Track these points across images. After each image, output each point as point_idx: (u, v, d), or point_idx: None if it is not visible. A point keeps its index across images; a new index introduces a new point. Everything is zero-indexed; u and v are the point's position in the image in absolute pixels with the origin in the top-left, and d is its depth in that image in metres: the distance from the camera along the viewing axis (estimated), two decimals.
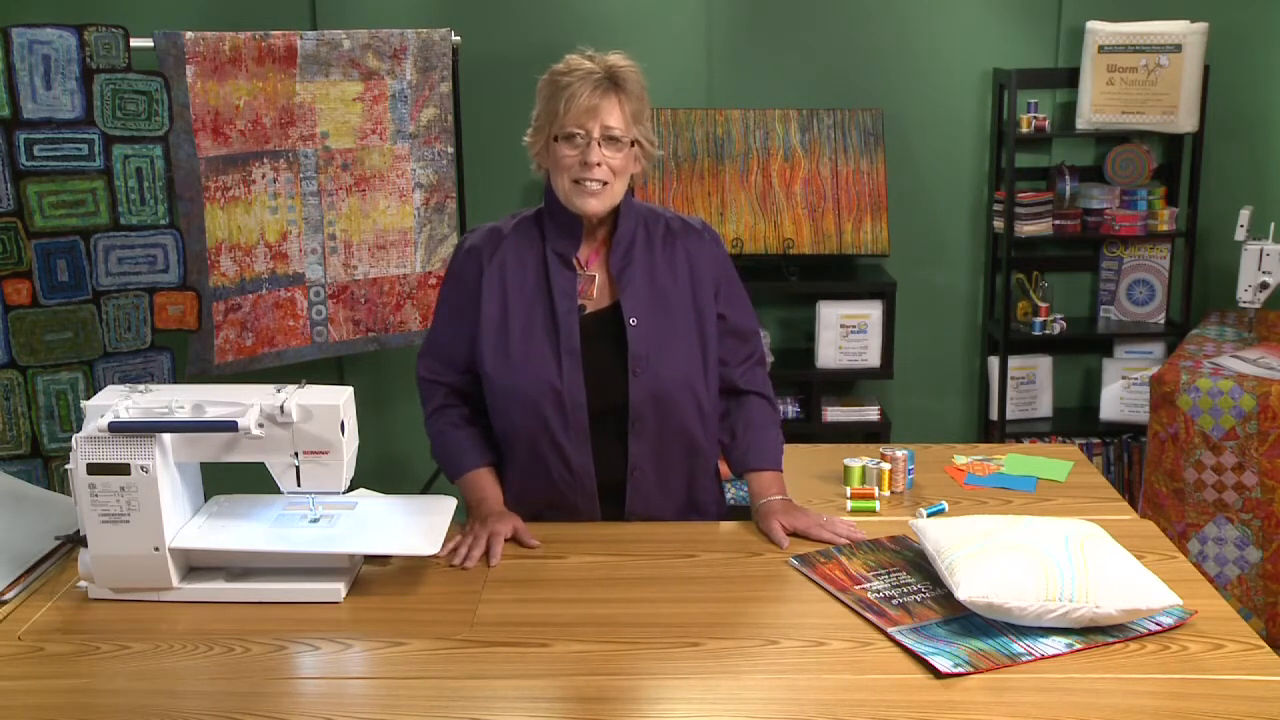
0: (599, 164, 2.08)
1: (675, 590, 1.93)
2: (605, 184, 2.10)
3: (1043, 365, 4.27)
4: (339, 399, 1.90)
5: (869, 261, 4.21)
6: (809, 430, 4.07)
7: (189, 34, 3.20)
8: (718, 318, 2.25)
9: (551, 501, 2.22)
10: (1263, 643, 1.73)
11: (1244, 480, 3.33)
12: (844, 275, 4.14)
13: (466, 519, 2.17)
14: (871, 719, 1.57)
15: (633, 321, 2.17)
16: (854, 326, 4.03)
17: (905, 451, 2.36)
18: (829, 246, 4.02)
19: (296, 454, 1.90)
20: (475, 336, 2.19)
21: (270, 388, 1.91)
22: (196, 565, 1.93)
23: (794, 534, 2.11)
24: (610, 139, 2.09)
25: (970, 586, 1.76)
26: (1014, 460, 2.51)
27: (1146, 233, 4.06)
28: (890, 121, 4.09)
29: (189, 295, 3.32)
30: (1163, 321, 4.20)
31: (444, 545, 1.99)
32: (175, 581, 1.88)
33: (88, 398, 1.95)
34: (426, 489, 3.90)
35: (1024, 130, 3.98)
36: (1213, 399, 3.33)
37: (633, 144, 2.13)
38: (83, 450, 1.82)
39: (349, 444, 1.93)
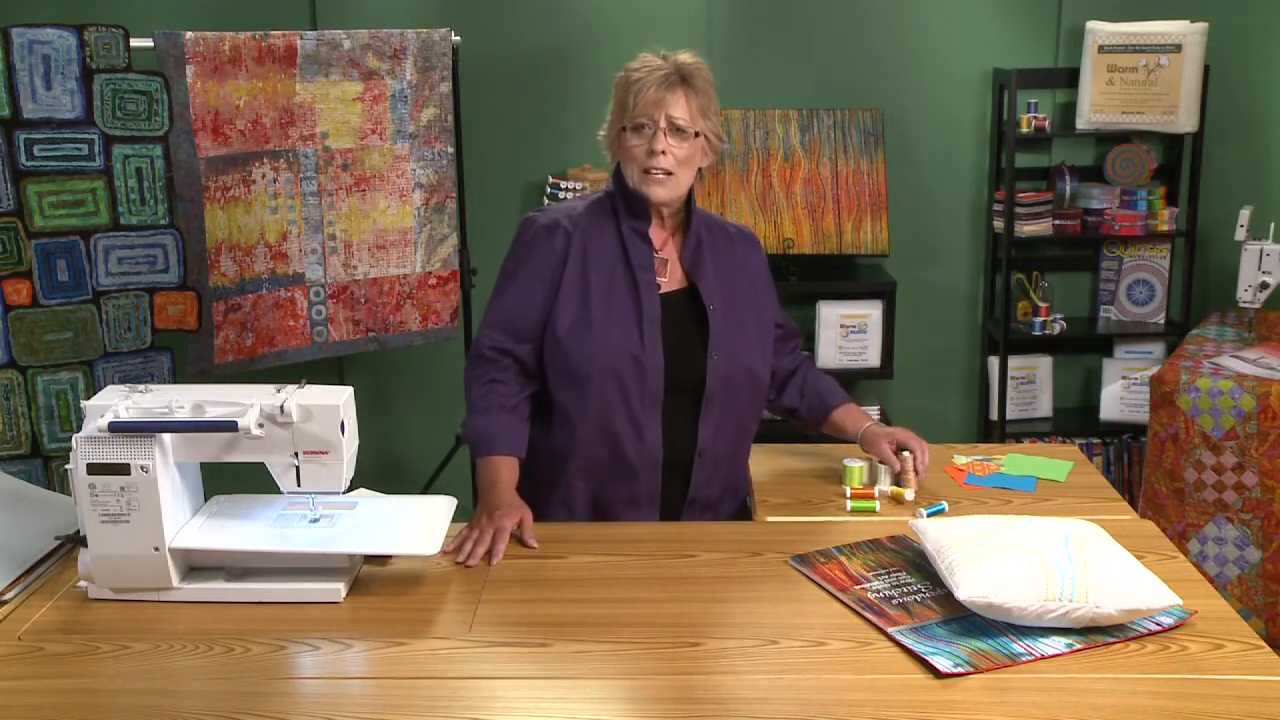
0: (663, 152, 2.20)
1: (675, 590, 1.93)
2: (670, 174, 2.23)
3: (1043, 365, 4.27)
4: (339, 399, 1.90)
5: (869, 261, 4.21)
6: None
7: (189, 34, 3.20)
8: (774, 325, 2.44)
9: (616, 471, 2.27)
10: (1263, 643, 1.73)
11: (1244, 480, 3.33)
12: (844, 275, 4.14)
13: (475, 506, 2.18)
14: (871, 719, 1.57)
15: (712, 306, 2.29)
16: (854, 326, 4.03)
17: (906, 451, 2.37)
18: (829, 246, 4.02)
19: (296, 454, 1.90)
20: (551, 304, 2.26)
21: (270, 388, 1.91)
22: (196, 565, 1.93)
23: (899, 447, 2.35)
24: (676, 130, 2.22)
25: (970, 587, 1.76)
26: (1014, 460, 2.51)
27: (1146, 233, 4.06)
28: (890, 121, 4.09)
29: (189, 295, 3.32)
30: (1163, 321, 4.20)
31: (449, 541, 2.02)
32: (175, 581, 1.88)
33: (88, 398, 1.96)
34: (426, 489, 3.90)
35: (1024, 130, 3.98)
36: (1213, 399, 3.33)
37: (696, 135, 2.24)
38: (83, 450, 1.82)
39: (349, 444, 1.93)
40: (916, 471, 2.32)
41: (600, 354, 2.21)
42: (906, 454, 2.33)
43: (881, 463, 2.35)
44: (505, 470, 2.22)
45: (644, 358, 2.23)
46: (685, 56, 2.25)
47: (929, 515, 2.20)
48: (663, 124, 2.21)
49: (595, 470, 2.28)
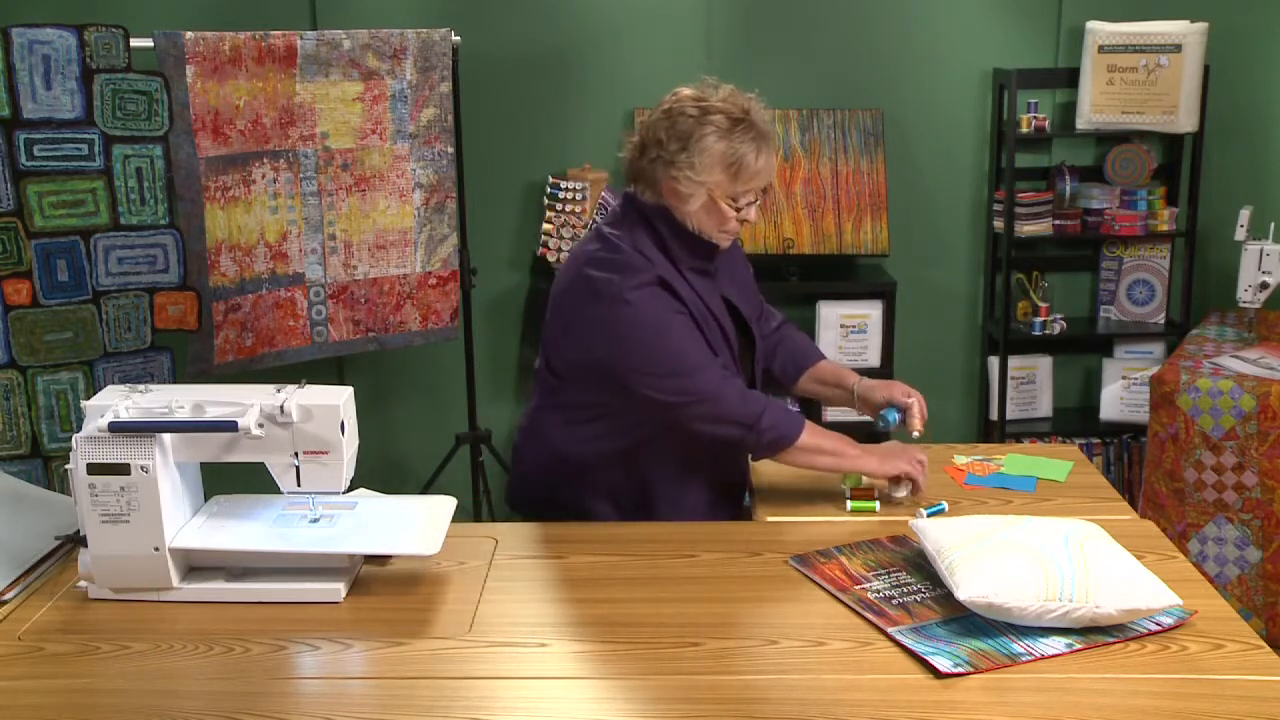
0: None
1: (675, 590, 1.93)
2: None
3: (1043, 365, 4.27)
4: (339, 399, 1.90)
5: (869, 261, 4.21)
6: None
7: (189, 34, 3.20)
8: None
9: (711, 502, 2.35)
10: (1263, 643, 1.73)
11: (1244, 480, 3.33)
12: (844, 275, 4.14)
13: (876, 466, 2.27)
14: (871, 719, 1.57)
15: (751, 319, 2.35)
16: (854, 326, 4.03)
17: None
18: (829, 246, 4.02)
19: (296, 454, 1.90)
20: None
21: (270, 388, 1.91)
22: (196, 565, 1.93)
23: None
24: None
25: (970, 586, 1.76)
26: (1014, 460, 2.51)
27: (1146, 233, 4.06)
28: (890, 121, 4.09)
29: (189, 295, 3.32)
30: (1163, 321, 4.20)
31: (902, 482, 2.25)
32: (175, 581, 1.88)
33: (88, 398, 1.96)
34: (426, 489, 3.90)
35: (1024, 130, 3.98)
36: (1213, 399, 3.33)
37: None
38: (83, 450, 1.82)
39: (349, 444, 1.93)
40: (920, 417, 2.40)
41: None
42: (910, 401, 2.42)
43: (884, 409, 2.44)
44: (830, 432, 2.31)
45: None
46: (756, 105, 2.20)
47: (929, 515, 2.20)
48: (755, 195, 2.22)
49: (714, 476, 2.34)
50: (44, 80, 3.05)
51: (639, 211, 2.24)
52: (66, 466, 1.86)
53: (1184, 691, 1.62)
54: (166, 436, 1.85)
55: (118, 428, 1.81)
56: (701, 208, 2.19)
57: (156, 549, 1.85)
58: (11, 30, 3.00)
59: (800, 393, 2.55)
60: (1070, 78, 4.01)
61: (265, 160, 3.41)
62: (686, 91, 2.22)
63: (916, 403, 2.41)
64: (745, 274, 2.47)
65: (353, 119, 3.50)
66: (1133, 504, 3.56)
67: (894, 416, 2.41)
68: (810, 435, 2.25)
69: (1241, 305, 3.78)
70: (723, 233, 2.23)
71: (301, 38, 3.37)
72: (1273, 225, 3.74)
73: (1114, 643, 1.73)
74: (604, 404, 2.26)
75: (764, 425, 2.21)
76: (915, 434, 2.40)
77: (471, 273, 3.78)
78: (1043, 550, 1.79)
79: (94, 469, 1.82)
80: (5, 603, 1.89)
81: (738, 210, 2.20)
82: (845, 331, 4.03)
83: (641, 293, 2.17)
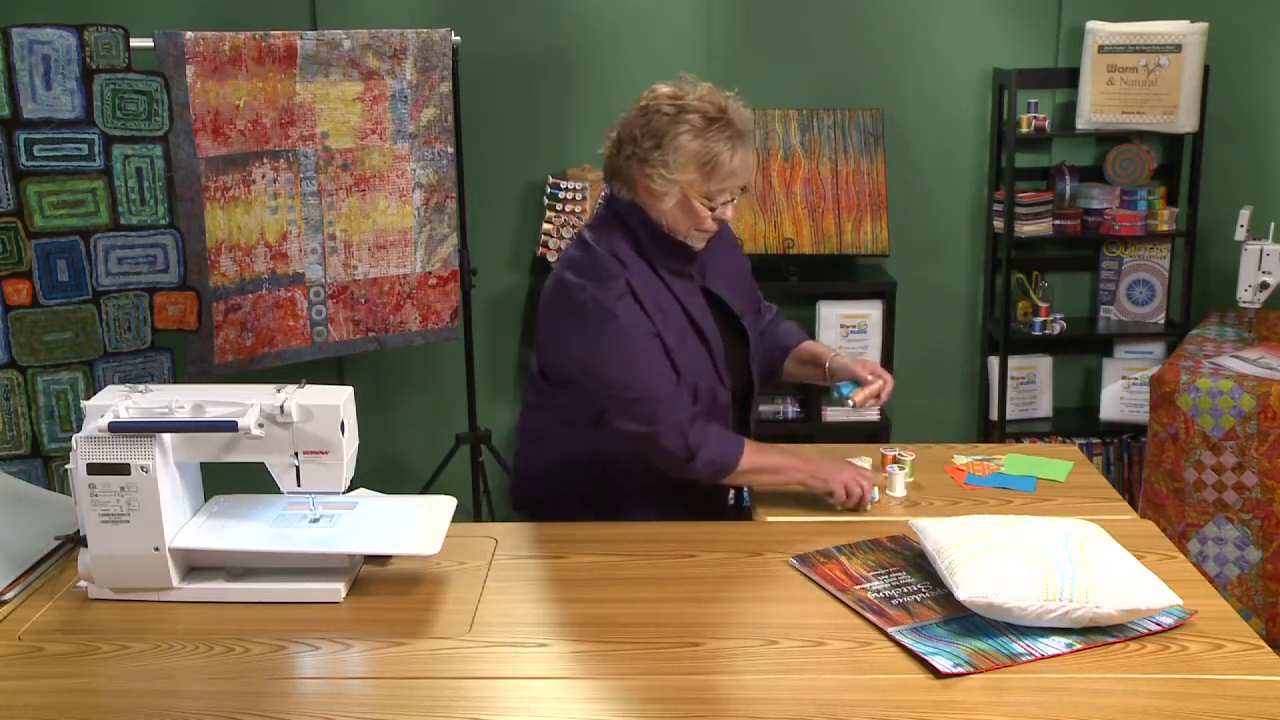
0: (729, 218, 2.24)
1: (675, 590, 1.93)
2: None
3: (1043, 365, 4.27)
4: (339, 399, 1.90)
5: (869, 261, 4.21)
6: (809, 431, 4.07)
7: (189, 34, 3.20)
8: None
9: (694, 507, 2.32)
10: (1263, 643, 1.73)
11: (1244, 480, 3.33)
12: (844, 275, 4.14)
13: (819, 473, 2.23)
14: (871, 719, 1.57)
15: (743, 315, 2.34)
16: (854, 326, 4.03)
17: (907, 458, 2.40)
18: (829, 246, 4.02)
19: (296, 454, 1.90)
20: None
21: (270, 388, 1.91)
22: (196, 565, 1.93)
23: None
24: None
25: (970, 587, 1.76)
26: (1014, 460, 2.51)
27: (1146, 233, 4.06)
28: (890, 121, 4.09)
29: (189, 295, 3.32)
30: (1163, 321, 4.21)
31: (843, 495, 2.20)
32: (175, 581, 1.88)
33: (88, 398, 1.95)
34: (426, 489, 3.90)
35: (1024, 130, 3.98)
36: (1213, 399, 3.33)
37: None
38: (83, 450, 1.82)
39: (349, 444, 1.93)
40: (878, 396, 2.36)
41: (694, 395, 2.24)
42: (870, 378, 2.40)
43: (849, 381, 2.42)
44: (774, 447, 2.29)
45: (719, 393, 2.28)
46: (735, 104, 2.17)
47: (843, 395, 2.34)
48: (732, 195, 2.21)
49: (675, 512, 2.31)
50: (44, 80, 3.05)
51: (616, 212, 2.24)
52: (66, 466, 1.86)
53: (1184, 691, 1.62)
54: (166, 436, 1.85)
55: (118, 428, 1.81)
56: (676, 206, 2.18)
57: (156, 549, 1.85)
58: (11, 30, 3.00)
59: (786, 377, 2.53)
60: (1070, 78, 4.01)
61: (265, 160, 3.41)
62: (663, 89, 2.19)
63: (881, 381, 2.36)
64: (739, 266, 2.44)
65: (353, 119, 3.50)
66: (1133, 504, 3.56)
67: (848, 389, 2.39)
68: (751, 457, 2.22)
69: (1241, 305, 3.78)
70: (698, 232, 2.21)
71: (301, 38, 3.37)
72: (1273, 225, 3.74)
73: (1114, 643, 1.73)
74: (596, 410, 2.25)
75: (700, 463, 2.19)
76: (851, 404, 2.36)
77: (471, 273, 3.78)
78: (1043, 550, 1.79)
79: (94, 469, 1.82)
80: (5, 603, 1.89)
81: (713, 210, 2.19)
82: (845, 331, 4.03)
83: (620, 304, 2.16)
